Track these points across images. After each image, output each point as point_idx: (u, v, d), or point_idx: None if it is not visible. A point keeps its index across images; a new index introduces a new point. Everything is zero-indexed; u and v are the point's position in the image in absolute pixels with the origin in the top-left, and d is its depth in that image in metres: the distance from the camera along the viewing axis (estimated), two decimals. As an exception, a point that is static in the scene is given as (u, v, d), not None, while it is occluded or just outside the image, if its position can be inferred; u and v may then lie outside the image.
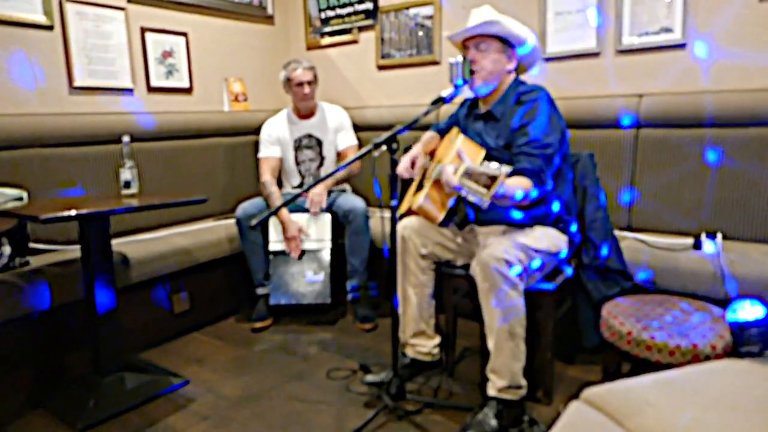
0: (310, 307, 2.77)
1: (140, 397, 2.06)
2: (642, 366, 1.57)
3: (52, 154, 2.51)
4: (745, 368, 1.30)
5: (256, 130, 3.07)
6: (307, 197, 2.74)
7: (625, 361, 1.70)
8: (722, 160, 2.25)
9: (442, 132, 2.18)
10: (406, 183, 2.16)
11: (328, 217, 2.78)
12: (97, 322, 2.05)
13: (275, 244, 2.76)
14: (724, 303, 1.66)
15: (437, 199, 1.83)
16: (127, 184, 2.28)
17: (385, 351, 2.38)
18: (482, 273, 1.74)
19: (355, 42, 3.53)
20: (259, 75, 3.63)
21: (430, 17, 3.18)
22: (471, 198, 1.49)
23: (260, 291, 2.79)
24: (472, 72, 1.90)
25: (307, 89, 2.82)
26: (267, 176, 2.86)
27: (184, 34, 3.19)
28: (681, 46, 2.42)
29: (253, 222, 1.83)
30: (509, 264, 1.72)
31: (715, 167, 2.26)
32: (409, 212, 2.03)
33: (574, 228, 2.02)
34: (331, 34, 3.61)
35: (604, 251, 2.05)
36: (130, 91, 2.96)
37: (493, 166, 1.47)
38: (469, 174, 1.47)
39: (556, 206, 1.94)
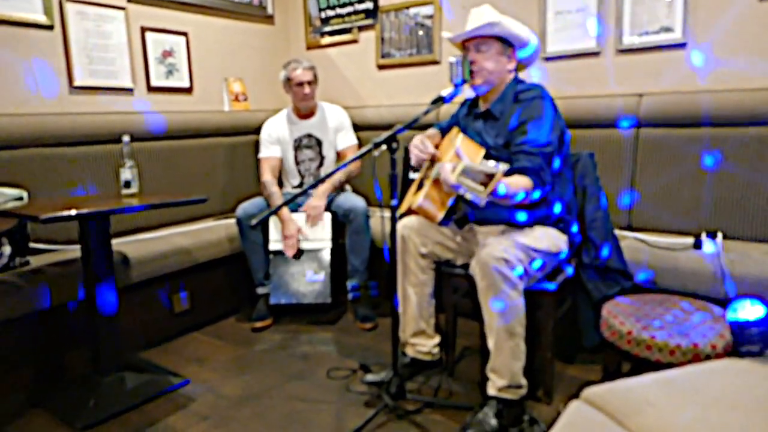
0: (311, 306, 2.77)
1: (140, 397, 2.06)
2: (642, 365, 1.57)
3: (52, 154, 2.51)
4: (745, 368, 1.30)
5: (256, 130, 3.07)
6: (306, 203, 2.74)
7: (626, 361, 1.70)
8: (722, 160, 2.25)
9: (444, 131, 2.18)
10: (407, 182, 2.16)
11: (328, 216, 2.78)
12: (97, 322, 2.05)
13: (275, 243, 2.76)
14: (725, 302, 1.66)
15: (437, 198, 1.83)
16: (128, 184, 2.28)
17: (385, 350, 2.38)
18: (481, 272, 1.74)
19: (355, 41, 3.53)
20: (259, 75, 3.63)
21: (430, 17, 3.18)
22: (468, 196, 1.49)
23: (260, 290, 2.79)
24: (472, 72, 1.90)
25: (307, 89, 2.82)
26: (267, 176, 2.86)
27: (185, 34, 3.19)
28: (681, 45, 2.42)
29: (254, 221, 1.83)
30: (509, 263, 1.72)
31: (715, 167, 2.26)
32: (409, 211, 2.03)
33: (575, 229, 2.02)
34: (331, 33, 3.61)
35: (605, 252, 2.05)
36: (130, 90, 2.96)
37: (491, 164, 1.48)
38: (467, 172, 1.47)
39: (557, 208, 1.94)
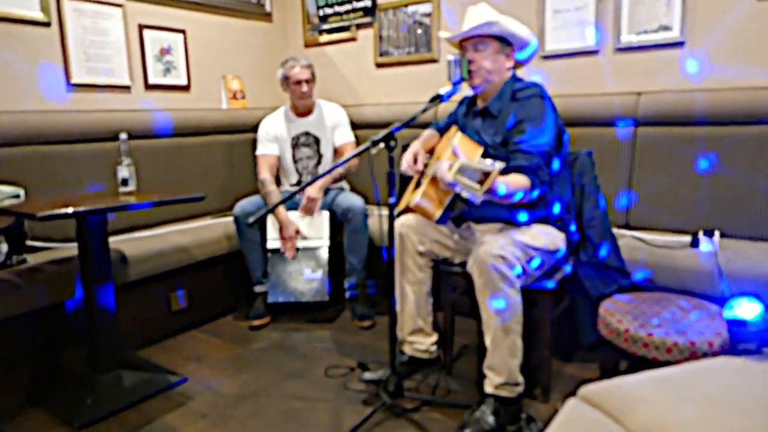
0: (308, 304, 2.77)
1: (138, 395, 2.06)
2: (639, 363, 1.57)
3: (50, 152, 2.50)
4: (742, 365, 1.30)
5: (254, 128, 3.07)
6: (303, 195, 2.73)
7: (623, 359, 1.70)
8: (720, 159, 2.25)
9: (442, 131, 2.18)
10: (405, 181, 2.16)
11: (326, 215, 2.78)
12: (95, 320, 2.05)
13: (273, 242, 2.75)
14: (722, 301, 1.66)
15: (434, 196, 1.83)
16: (125, 182, 2.28)
17: (383, 349, 2.38)
18: (479, 270, 1.74)
19: (353, 39, 3.52)
20: (257, 72, 3.63)
21: (429, 15, 3.17)
22: (465, 194, 1.49)
23: (258, 289, 2.79)
24: (470, 72, 1.89)
25: (304, 87, 2.82)
26: (265, 174, 2.86)
27: (182, 32, 3.18)
28: (679, 44, 2.42)
29: (251, 220, 1.83)
30: (507, 261, 1.72)
31: (712, 165, 2.27)
32: (407, 210, 2.03)
33: (573, 228, 2.03)
34: (330, 31, 3.61)
35: (603, 252, 2.05)
36: (127, 88, 2.95)
37: (487, 163, 1.48)
38: (463, 170, 1.47)
39: (557, 208, 1.94)
